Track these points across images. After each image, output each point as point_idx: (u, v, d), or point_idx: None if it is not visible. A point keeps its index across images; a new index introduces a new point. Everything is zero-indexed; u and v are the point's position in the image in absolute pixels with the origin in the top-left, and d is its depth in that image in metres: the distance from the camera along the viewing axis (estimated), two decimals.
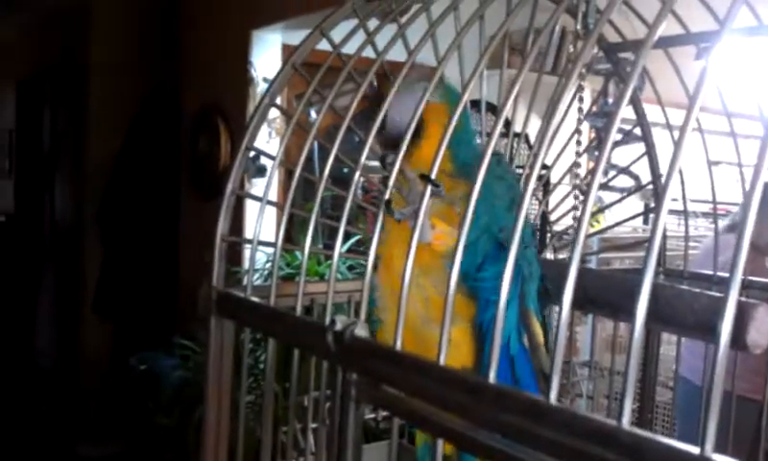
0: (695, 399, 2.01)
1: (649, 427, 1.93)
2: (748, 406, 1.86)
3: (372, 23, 1.29)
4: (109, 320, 4.88)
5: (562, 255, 1.59)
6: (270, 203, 1.21)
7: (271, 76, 3.68)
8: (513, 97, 0.93)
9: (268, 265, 3.26)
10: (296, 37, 3.65)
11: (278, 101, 1.37)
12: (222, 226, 1.18)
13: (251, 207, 3.53)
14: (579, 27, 0.92)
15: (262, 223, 1.24)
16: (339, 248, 1.01)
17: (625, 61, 1.54)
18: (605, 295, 1.14)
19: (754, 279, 1.58)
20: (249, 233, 1.39)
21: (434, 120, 1.14)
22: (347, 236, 2.99)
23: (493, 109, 1.91)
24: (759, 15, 1.21)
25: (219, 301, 1.18)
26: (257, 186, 3.58)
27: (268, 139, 3.57)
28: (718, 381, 0.68)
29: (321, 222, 1.16)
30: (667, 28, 1.19)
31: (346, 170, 1.52)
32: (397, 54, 1.28)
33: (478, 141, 1.47)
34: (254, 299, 1.12)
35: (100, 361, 4.93)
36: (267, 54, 3.76)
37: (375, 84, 1.34)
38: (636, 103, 1.52)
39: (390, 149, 1.10)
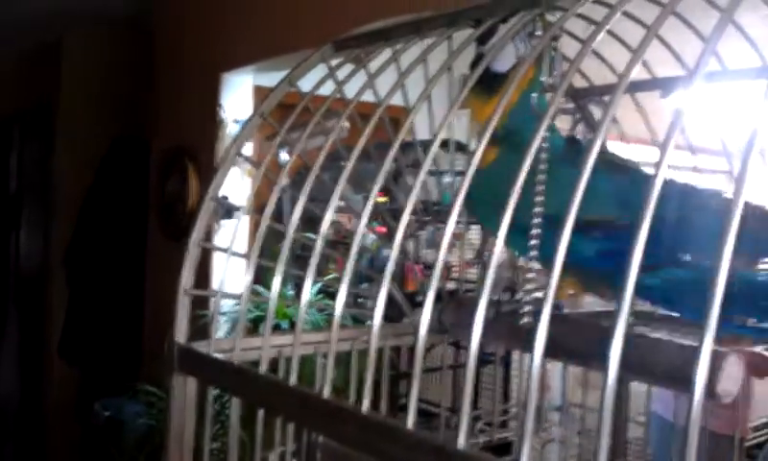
0: (668, 435, 2.01)
1: None
2: (721, 442, 1.86)
3: (348, 67, 1.30)
4: (75, 364, 4.78)
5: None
6: (235, 254, 1.19)
7: (241, 118, 3.67)
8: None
9: (237, 307, 3.21)
10: (266, 79, 3.65)
11: (249, 145, 1.36)
12: (185, 279, 1.15)
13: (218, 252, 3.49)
14: (544, 79, 0.92)
15: (228, 272, 1.21)
16: (306, 297, 0.99)
17: (593, 102, 1.56)
18: (573, 342, 1.12)
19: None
20: (216, 276, 1.35)
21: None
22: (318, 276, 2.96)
23: (463, 148, 1.91)
24: (723, 61, 1.23)
25: (181, 356, 1.14)
26: (227, 227, 3.54)
27: (239, 180, 3.54)
28: (693, 435, 0.67)
29: (288, 271, 1.14)
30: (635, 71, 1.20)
31: (317, 211, 1.50)
32: (369, 95, 1.28)
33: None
34: (218, 355, 1.09)
35: (65, 406, 4.82)
36: (237, 96, 3.75)
37: (347, 126, 1.33)
38: (603, 148, 1.52)
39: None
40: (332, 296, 2.61)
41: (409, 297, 2.04)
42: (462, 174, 1.68)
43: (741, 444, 2.49)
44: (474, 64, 1.06)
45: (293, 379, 0.93)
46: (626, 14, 1.03)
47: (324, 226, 1.08)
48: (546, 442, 2.01)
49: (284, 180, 1.20)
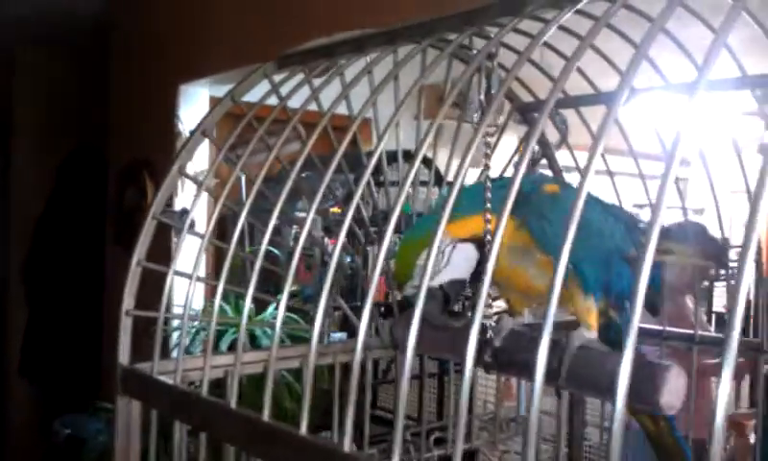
0: (628, 439, 2.02)
1: None
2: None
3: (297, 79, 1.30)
4: (35, 382, 4.69)
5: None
6: (178, 273, 1.17)
7: None
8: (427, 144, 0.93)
9: (196, 322, 3.18)
10: (223, 91, 3.62)
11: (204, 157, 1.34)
12: (127, 300, 1.14)
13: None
14: (481, 97, 0.92)
15: (184, 288, 1.18)
16: (245, 314, 0.98)
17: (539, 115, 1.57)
18: (514, 354, 1.12)
19: (672, 330, 1.59)
20: (180, 291, 1.33)
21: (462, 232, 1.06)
22: (278, 289, 2.94)
23: (425, 160, 1.91)
24: (663, 73, 1.25)
25: (124, 378, 1.12)
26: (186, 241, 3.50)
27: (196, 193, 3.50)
28: (615, 444, 0.68)
29: (230, 288, 1.12)
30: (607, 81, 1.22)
31: (278, 221, 1.49)
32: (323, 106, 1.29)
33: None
34: (162, 378, 1.07)
35: (26, 425, 4.73)
36: (194, 107, 3.72)
37: (303, 133, 1.33)
38: (550, 160, 1.54)
39: None
40: (295, 310, 2.60)
41: (375, 306, 2.03)
42: (424, 184, 1.68)
43: (702, 446, 2.52)
44: None
45: (233, 401, 0.92)
46: (561, 28, 1.04)
47: (265, 239, 1.07)
48: (504, 452, 2.02)
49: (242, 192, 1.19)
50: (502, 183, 1.03)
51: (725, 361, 0.59)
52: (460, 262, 1.06)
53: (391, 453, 1.44)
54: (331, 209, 3.01)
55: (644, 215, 1.81)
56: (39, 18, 4.28)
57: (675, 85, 1.13)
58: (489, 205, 1.01)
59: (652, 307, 1.32)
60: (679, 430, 1.30)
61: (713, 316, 4.82)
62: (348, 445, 0.75)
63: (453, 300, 1.12)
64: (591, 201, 1.16)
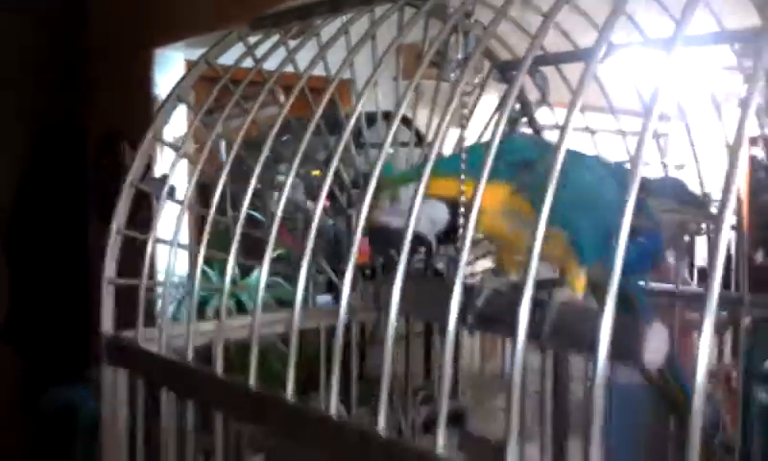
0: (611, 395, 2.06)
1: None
2: None
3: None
4: (22, 352, 4.68)
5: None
6: (159, 241, 1.16)
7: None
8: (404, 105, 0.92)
9: (180, 289, 3.17)
10: (198, 54, 3.57)
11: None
12: (108, 267, 1.13)
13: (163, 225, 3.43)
14: (459, 55, 0.91)
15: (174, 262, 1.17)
16: (228, 281, 0.98)
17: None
18: (497, 313, 1.12)
19: (654, 286, 1.60)
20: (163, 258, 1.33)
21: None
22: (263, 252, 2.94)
23: (405, 120, 1.90)
24: (642, 29, 1.24)
25: (109, 347, 1.12)
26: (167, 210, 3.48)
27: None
28: (598, 402, 0.69)
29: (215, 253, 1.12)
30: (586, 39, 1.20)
31: (259, 185, 1.48)
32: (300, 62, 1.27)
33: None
34: (147, 346, 1.07)
35: (13, 394, 4.73)
36: (170, 72, 3.66)
37: (282, 98, 1.31)
38: (530, 119, 1.54)
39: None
40: (281, 271, 2.59)
41: (358, 268, 2.03)
42: (405, 145, 1.67)
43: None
44: None
45: (218, 368, 0.92)
46: None
47: (245, 204, 1.06)
48: (489, 410, 2.05)
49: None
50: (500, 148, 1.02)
51: (705, 315, 0.59)
52: (422, 217, 1.04)
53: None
54: (313, 172, 2.99)
55: None
56: None
57: (653, 41, 1.12)
58: (464, 168, 1.00)
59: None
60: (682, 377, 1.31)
61: (695, 270, 4.86)
62: (333, 408, 0.75)
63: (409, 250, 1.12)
64: (597, 167, 1.16)
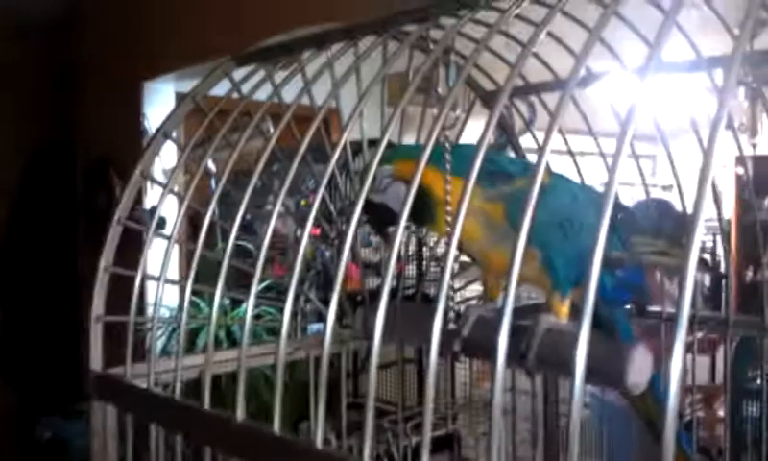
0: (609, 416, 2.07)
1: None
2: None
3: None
4: (13, 384, 4.66)
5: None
6: (148, 277, 1.17)
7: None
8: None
9: (173, 318, 3.17)
10: (188, 86, 3.60)
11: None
12: (97, 304, 1.13)
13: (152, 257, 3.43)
14: (439, 89, 0.93)
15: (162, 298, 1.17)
16: (215, 313, 0.99)
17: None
18: (481, 340, 1.13)
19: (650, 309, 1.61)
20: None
21: (434, 184, 1.11)
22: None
23: (391, 146, 1.92)
24: (619, 56, 1.27)
25: (98, 383, 1.12)
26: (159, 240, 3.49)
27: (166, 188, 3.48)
28: (574, 427, 0.70)
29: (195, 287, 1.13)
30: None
31: (249, 216, 1.49)
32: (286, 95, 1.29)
33: None
34: (136, 382, 1.08)
35: (6, 427, 4.69)
36: (160, 105, 3.69)
37: (271, 128, 1.33)
38: (515, 147, 1.56)
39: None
40: (272, 300, 2.60)
41: (350, 296, 2.04)
42: None
43: (680, 417, 2.57)
44: None
45: (206, 403, 0.92)
46: (519, 17, 1.05)
47: (232, 235, 1.07)
48: (483, 434, 2.04)
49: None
50: (470, 152, 1.06)
51: (675, 338, 0.60)
52: (393, 196, 1.14)
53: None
54: (301, 202, 3.01)
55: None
56: None
57: (631, 69, 1.15)
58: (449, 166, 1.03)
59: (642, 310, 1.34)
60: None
61: None
62: (320, 441, 0.76)
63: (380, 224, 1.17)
64: (579, 193, 1.18)
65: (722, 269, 3.88)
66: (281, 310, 0.88)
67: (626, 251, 1.18)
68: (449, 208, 1.07)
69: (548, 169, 1.47)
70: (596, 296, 1.13)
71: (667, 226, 1.30)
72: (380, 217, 1.17)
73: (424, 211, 1.11)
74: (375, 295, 1.56)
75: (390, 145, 1.89)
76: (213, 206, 1.14)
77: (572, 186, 1.21)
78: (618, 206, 1.23)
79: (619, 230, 1.18)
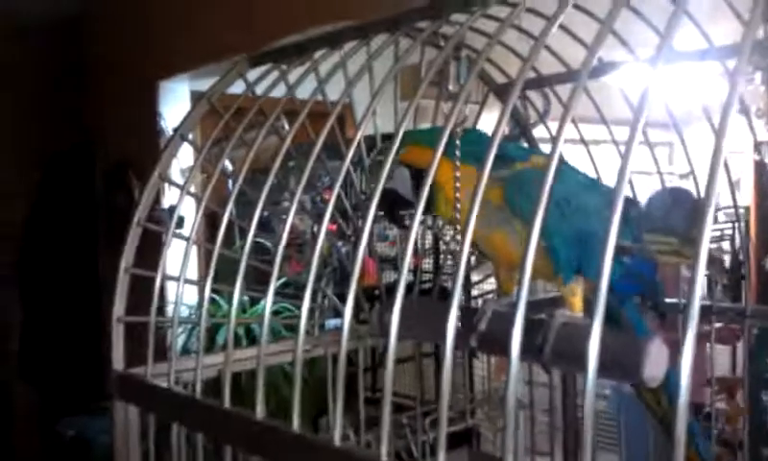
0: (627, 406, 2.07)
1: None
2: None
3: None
4: (36, 385, 4.71)
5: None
6: (168, 278, 1.18)
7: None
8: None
9: (193, 316, 3.19)
10: (204, 85, 3.62)
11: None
12: (118, 306, 1.15)
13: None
14: (450, 86, 0.93)
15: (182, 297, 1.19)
16: (234, 311, 1.00)
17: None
18: (498, 335, 1.13)
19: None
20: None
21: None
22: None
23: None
24: (630, 46, 1.27)
25: (120, 383, 1.14)
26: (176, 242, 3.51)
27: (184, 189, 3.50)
28: (588, 421, 0.70)
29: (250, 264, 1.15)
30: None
31: (266, 213, 1.51)
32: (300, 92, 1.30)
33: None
34: (157, 381, 1.09)
35: (30, 427, 4.75)
36: (176, 104, 3.71)
37: (286, 126, 1.34)
38: (529, 140, 1.56)
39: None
40: (290, 297, 2.62)
41: (366, 291, 2.05)
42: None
43: (701, 409, 2.56)
44: None
45: (226, 401, 0.94)
46: (530, 10, 1.05)
47: (250, 233, 1.08)
48: (500, 429, 2.05)
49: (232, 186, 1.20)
50: (474, 137, 1.08)
51: (686, 329, 0.61)
52: (399, 180, 1.17)
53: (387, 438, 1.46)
54: (317, 198, 3.02)
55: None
56: (7, 14, 4.23)
57: (644, 59, 1.15)
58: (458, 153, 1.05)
59: (656, 306, 1.33)
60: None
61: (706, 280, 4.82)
62: (338, 438, 0.77)
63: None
64: (583, 180, 1.18)
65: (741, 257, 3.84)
66: (299, 307, 0.90)
67: (636, 243, 1.18)
68: (458, 195, 1.07)
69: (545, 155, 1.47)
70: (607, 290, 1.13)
71: (681, 215, 1.29)
72: (388, 201, 1.19)
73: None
74: (392, 290, 1.57)
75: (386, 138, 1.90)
76: (231, 205, 1.16)
77: (572, 170, 1.20)
78: (630, 202, 1.22)
79: (630, 220, 1.17)
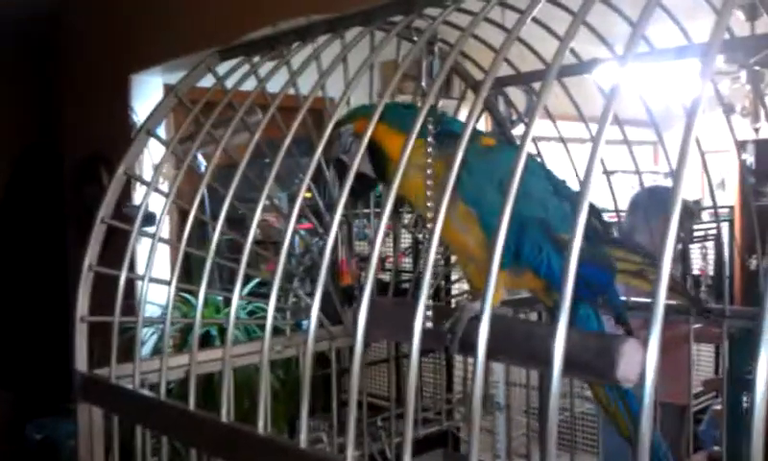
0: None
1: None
2: (666, 409, 1.95)
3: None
4: (7, 387, 4.63)
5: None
6: (131, 277, 1.15)
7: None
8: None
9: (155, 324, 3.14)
10: (177, 78, 3.56)
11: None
12: (81, 304, 1.12)
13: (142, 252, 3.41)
14: (423, 83, 0.91)
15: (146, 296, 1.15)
16: (199, 311, 0.97)
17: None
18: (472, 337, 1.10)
19: (636, 300, 1.57)
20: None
21: (385, 140, 1.11)
22: (246, 279, 2.91)
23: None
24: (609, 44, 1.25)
25: (84, 385, 1.11)
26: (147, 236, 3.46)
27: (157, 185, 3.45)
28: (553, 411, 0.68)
29: (218, 263, 1.11)
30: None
31: (240, 211, 1.48)
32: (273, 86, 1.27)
33: None
34: (121, 383, 1.06)
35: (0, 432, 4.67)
36: (148, 97, 3.65)
37: (260, 116, 1.31)
38: (507, 137, 1.54)
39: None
40: (265, 297, 2.59)
41: (344, 291, 2.02)
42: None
43: (686, 411, 2.55)
44: None
45: (191, 403, 0.91)
46: (505, 5, 1.03)
47: (216, 231, 1.05)
48: (482, 430, 2.03)
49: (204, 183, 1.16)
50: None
51: (651, 330, 0.59)
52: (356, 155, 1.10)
53: (362, 439, 1.43)
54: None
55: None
56: None
57: (618, 56, 1.13)
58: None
59: (619, 319, 1.27)
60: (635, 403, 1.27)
61: (689, 279, 4.80)
62: (303, 441, 0.74)
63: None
64: (535, 169, 1.15)
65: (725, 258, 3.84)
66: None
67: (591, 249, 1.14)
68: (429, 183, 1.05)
69: (498, 139, 1.44)
70: (551, 282, 1.10)
71: (659, 213, 1.27)
72: (343, 173, 1.14)
73: (380, 168, 1.12)
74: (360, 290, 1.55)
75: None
76: (198, 202, 1.13)
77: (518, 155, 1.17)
78: (593, 209, 1.19)
79: (589, 229, 1.14)
